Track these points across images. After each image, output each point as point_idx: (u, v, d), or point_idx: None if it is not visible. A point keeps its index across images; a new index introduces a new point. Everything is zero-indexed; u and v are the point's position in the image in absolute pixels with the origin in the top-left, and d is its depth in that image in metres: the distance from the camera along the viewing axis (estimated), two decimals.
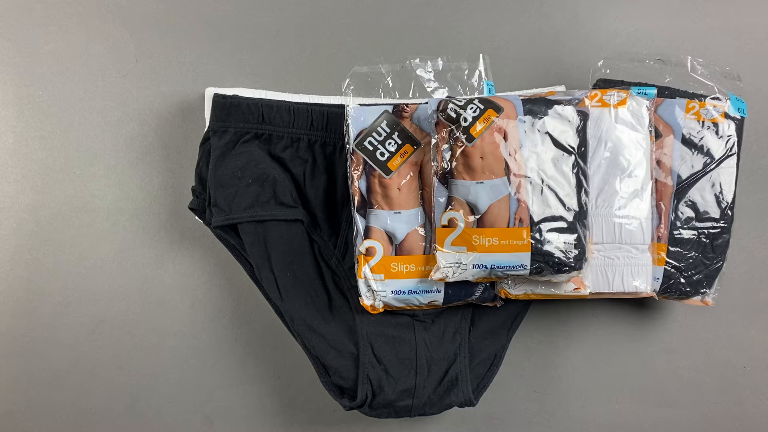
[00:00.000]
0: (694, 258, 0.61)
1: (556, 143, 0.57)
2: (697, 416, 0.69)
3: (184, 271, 0.69)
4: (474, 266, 0.57)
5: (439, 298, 0.61)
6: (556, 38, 0.72)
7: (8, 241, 0.68)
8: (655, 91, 0.61)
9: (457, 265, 0.57)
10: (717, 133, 0.62)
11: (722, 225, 0.62)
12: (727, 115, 0.62)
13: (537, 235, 0.56)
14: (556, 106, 0.58)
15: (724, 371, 0.69)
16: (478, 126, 0.56)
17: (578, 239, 0.57)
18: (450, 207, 0.57)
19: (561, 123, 0.58)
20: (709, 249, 0.62)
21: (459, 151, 0.56)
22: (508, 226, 0.56)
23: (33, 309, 0.68)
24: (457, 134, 0.56)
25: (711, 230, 0.62)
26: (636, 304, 0.69)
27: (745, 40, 0.72)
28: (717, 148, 0.62)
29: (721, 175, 0.61)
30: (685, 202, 0.62)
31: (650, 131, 0.60)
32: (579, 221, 0.57)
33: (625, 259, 0.59)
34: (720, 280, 0.62)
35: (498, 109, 0.56)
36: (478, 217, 0.57)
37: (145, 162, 0.69)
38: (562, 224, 0.57)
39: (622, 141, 0.59)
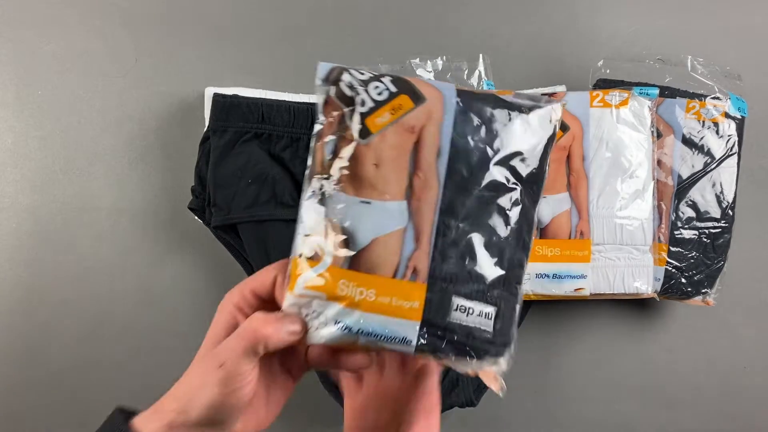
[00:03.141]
0: (695, 258, 0.61)
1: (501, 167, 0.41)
2: (697, 416, 0.69)
3: (184, 271, 0.69)
4: (337, 323, 0.38)
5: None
6: (556, 38, 0.72)
7: (8, 241, 0.68)
8: (657, 91, 0.61)
9: (314, 314, 0.39)
10: (717, 132, 0.62)
11: (723, 225, 0.62)
12: (727, 115, 0.62)
13: (437, 297, 0.38)
14: (519, 113, 0.41)
15: (724, 371, 0.69)
16: (381, 117, 0.39)
17: (500, 313, 0.40)
18: (320, 230, 0.39)
19: (520, 137, 0.41)
20: (710, 249, 0.62)
21: (347, 149, 0.39)
22: (395, 276, 0.38)
23: (33, 309, 0.68)
24: (348, 123, 0.39)
25: (712, 230, 0.62)
26: (636, 304, 0.69)
27: (745, 40, 0.72)
28: (717, 148, 0.61)
29: (722, 175, 0.61)
30: (686, 202, 0.62)
31: (652, 132, 0.60)
32: (504, 287, 0.40)
33: (625, 260, 0.59)
34: (721, 280, 0.62)
35: (417, 98, 0.40)
36: (353, 253, 0.38)
37: (144, 162, 0.69)
38: (477, 287, 0.39)
39: (624, 141, 0.59)
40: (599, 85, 0.64)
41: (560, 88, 0.67)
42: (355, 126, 0.39)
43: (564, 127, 0.59)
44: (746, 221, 0.69)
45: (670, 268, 0.61)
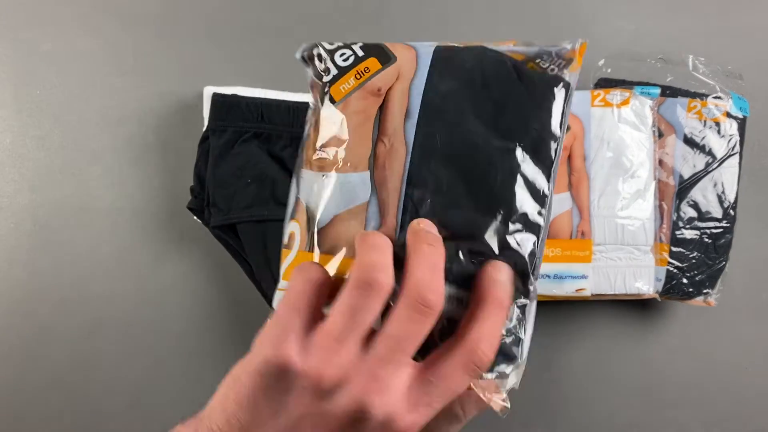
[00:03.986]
0: (697, 258, 0.61)
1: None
2: (697, 417, 0.69)
3: (184, 271, 0.69)
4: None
5: None
6: (556, 38, 0.72)
7: (6, 241, 0.68)
8: (658, 90, 0.61)
9: None
10: (719, 132, 0.61)
11: (725, 225, 0.62)
12: (729, 114, 0.62)
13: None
14: (513, 68, 0.35)
15: (725, 372, 0.69)
16: (345, 83, 0.35)
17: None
18: (293, 215, 0.36)
19: (516, 95, 0.35)
20: (711, 249, 0.62)
21: (312, 122, 0.36)
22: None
23: (31, 310, 0.68)
24: (318, 96, 0.37)
25: (713, 230, 0.62)
26: (637, 304, 0.69)
27: (747, 39, 0.72)
28: (719, 148, 0.61)
29: (723, 175, 0.61)
30: (687, 202, 0.61)
31: (653, 131, 0.60)
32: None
33: (627, 261, 0.59)
34: (722, 280, 0.62)
35: (386, 59, 0.35)
36: (315, 233, 0.35)
37: (143, 161, 0.69)
38: (455, 278, 0.32)
39: (625, 141, 0.59)
40: (600, 84, 0.64)
41: None
42: (323, 96, 0.36)
43: None
44: (748, 221, 0.68)
45: (672, 269, 0.61)
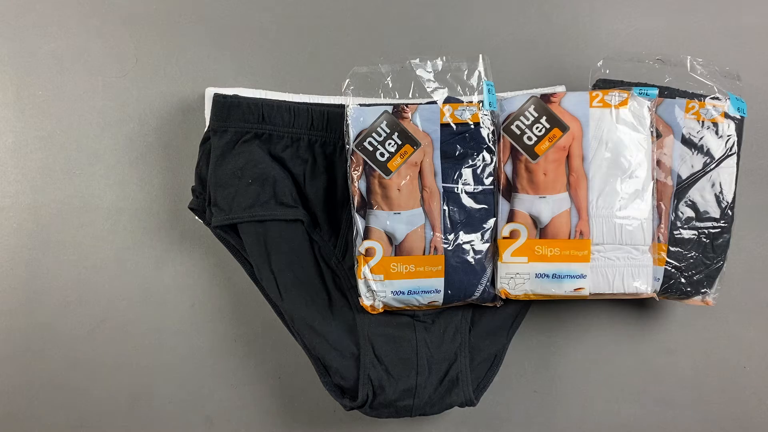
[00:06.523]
0: (695, 258, 0.61)
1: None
2: (697, 416, 0.69)
3: (184, 271, 0.69)
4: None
5: (438, 298, 0.60)
6: (556, 38, 0.72)
7: (8, 240, 0.68)
8: (656, 91, 0.61)
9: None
10: (717, 132, 0.62)
11: (722, 225, 0.62)
12: (726, 115, 0.62)
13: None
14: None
15: (724, 371, 0.69)
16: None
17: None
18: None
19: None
20: (709, 249, 0.62)
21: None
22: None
23: (33, 309, 0.68)
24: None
25: (711, 230, 0.62)
26: (636, 303, 0.69)
27: (744, 40, 0.72)
28: (717, 148, 0.62)
29: (721, 175, 0.61)
30: (685, 202, 0.62)
31: (651, 132, 0.60)
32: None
33: (625, 260, 0.59)
34: (720, 279, 0.62)
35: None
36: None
37: (145, 162, 0.70)
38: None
39: (623, 142, 0.59)
40: (599, 85, 0.64)
41: (560, 88, 0.67)
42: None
43: (564, 128, 0.59)
44: (745, 221, 0.69)
45: (670, 268, 0.61)
